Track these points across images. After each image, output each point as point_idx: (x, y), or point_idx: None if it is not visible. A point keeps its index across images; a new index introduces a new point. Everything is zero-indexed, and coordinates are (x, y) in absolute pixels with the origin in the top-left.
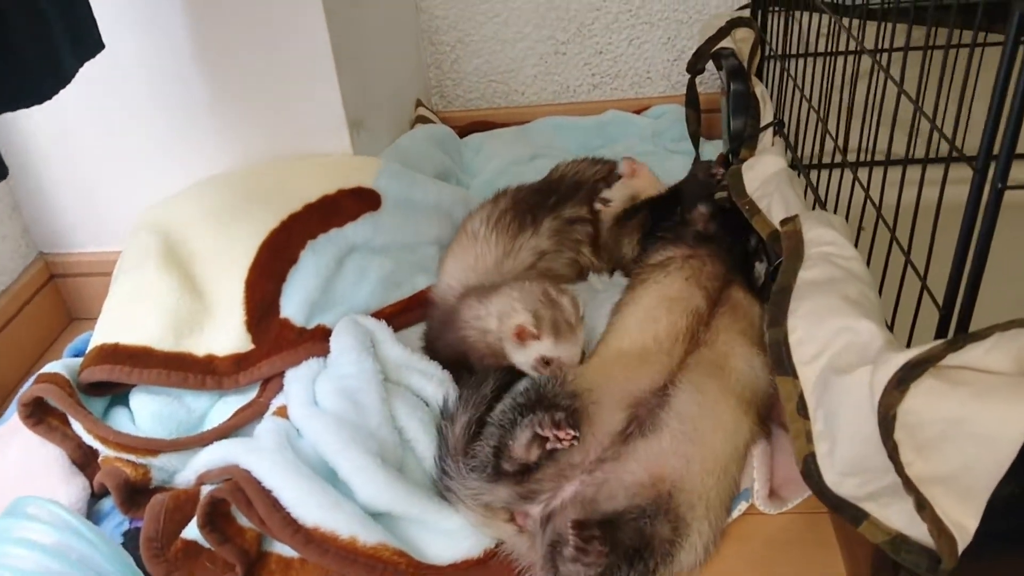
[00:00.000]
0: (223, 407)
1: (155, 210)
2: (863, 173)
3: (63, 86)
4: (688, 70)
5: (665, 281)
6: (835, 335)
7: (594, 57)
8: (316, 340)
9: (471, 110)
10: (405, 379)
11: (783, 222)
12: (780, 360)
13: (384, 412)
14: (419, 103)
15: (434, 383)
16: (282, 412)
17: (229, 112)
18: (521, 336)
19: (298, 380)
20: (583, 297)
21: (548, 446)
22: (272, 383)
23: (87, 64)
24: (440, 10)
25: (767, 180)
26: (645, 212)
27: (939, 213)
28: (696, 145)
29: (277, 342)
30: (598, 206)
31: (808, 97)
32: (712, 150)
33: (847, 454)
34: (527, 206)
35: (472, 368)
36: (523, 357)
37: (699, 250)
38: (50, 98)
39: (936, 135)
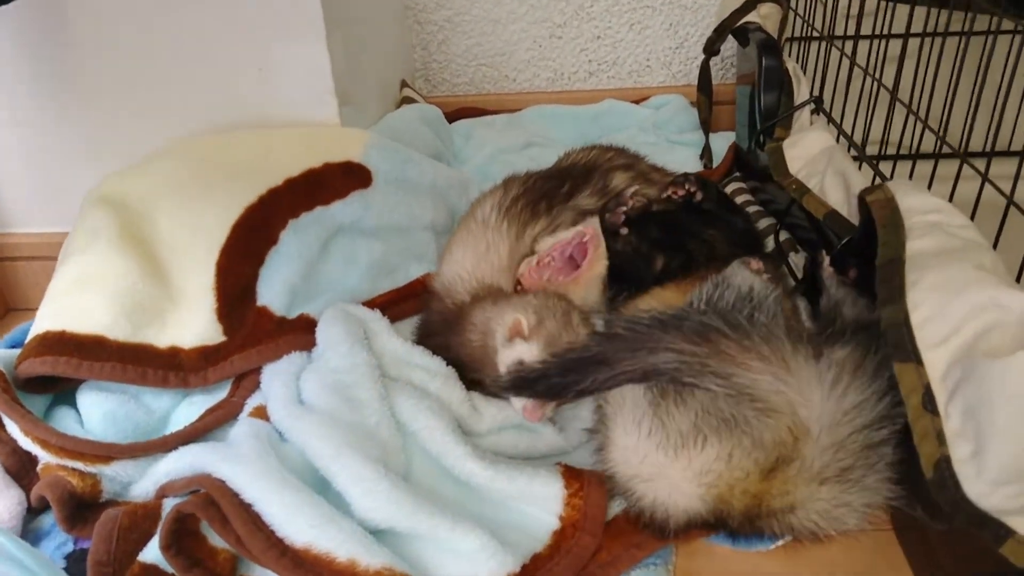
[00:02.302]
0: (188, 408)
1: (111, 181)
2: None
3: None
4: (705, 50)
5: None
6: (976, 311)
7: (591, 42)
8: (299, 331)
9: (458, 95)
10: (405, 375)
11: (867, 191)
12: (901, 344)
13: (383, 410)
14: (404, 84)
15: (439, 380)
16: (260, 413)
17: (202, 69)
18: (513, 331)
19: (279, 376)
20: None
21: None
22: (247, 380)
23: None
24: None
25: (814, 159)
26: None
27: None
28: (707, 133)
29: (254, 333)
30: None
31: (879, 79)
32: (722, 142)
33: (1004, 457)
34: (540, 193)
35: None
36: (504, 355)
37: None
38: None
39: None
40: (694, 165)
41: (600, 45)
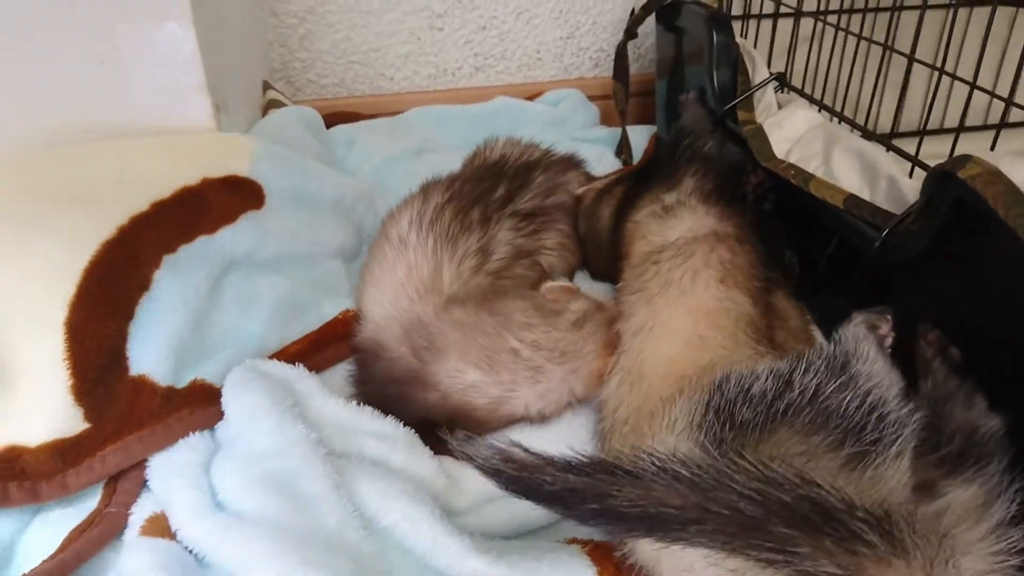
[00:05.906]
0: (42, 529)
1: None
2: None
3: None
4: (626, 31)
5: (692, 289)
6: None
7: (476, 34)
8: (196, 404)
9: (327, 99)
10: (355, 448)
11: (951, 166)
12: None
13: (343, 504)
14: (267, 85)
15: (400, 449)
16: (157, 527)
17: (18, 56)
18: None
19: (178, 471)
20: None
21: None
22: (126, 481)
23: None
24: None
25: (804, 139)
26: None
27: None
28: (624, 126)
29: (131, 415)
30: (581, 190)
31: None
32: (640, 137)
33: None
34: (470, 200)
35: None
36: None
37: (724, 226)
38: None
39: None
40: (609, 162)
41: (486, 37)
